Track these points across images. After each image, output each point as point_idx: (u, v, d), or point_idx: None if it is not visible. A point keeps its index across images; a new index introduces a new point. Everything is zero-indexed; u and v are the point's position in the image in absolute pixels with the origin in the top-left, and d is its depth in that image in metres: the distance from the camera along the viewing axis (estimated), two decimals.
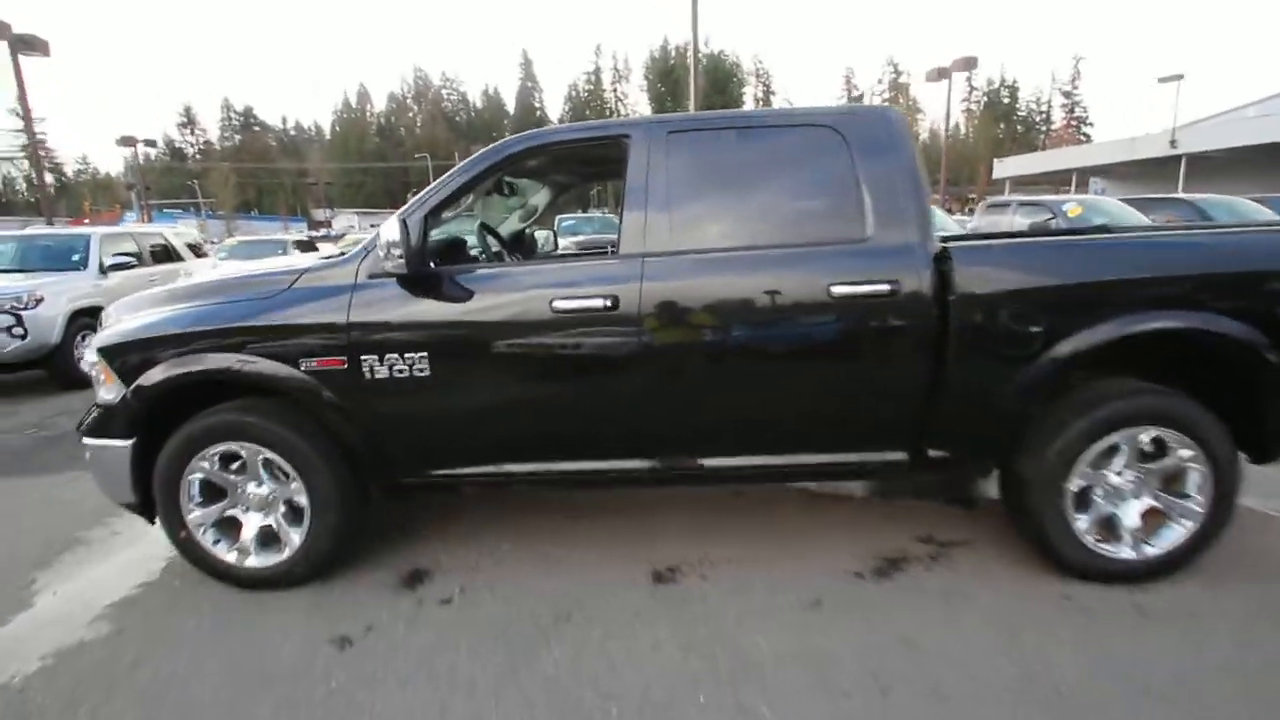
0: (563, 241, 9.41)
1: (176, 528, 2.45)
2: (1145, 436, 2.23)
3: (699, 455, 2.36)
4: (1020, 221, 9.84)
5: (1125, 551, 2.31)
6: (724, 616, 2.22)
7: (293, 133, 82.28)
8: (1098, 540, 2.33)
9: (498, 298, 2.25)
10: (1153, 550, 2.31)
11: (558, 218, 15.92)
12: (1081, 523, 2.31)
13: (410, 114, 77.24)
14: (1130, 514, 2.32)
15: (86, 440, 2.47)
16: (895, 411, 2.28)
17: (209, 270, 6.69)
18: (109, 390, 2.42)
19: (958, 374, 2.20)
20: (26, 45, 13.20)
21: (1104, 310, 2.12)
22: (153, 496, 2.42)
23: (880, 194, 2.19)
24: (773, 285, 2.18)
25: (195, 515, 2.44)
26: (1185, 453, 2.24)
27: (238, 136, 75.48)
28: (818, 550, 2.64)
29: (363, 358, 2.24)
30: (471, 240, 2.94)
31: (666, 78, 66.53)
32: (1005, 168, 36.32)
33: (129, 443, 2.39)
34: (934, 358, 2.19)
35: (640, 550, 2.68)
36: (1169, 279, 2.14)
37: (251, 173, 65.53)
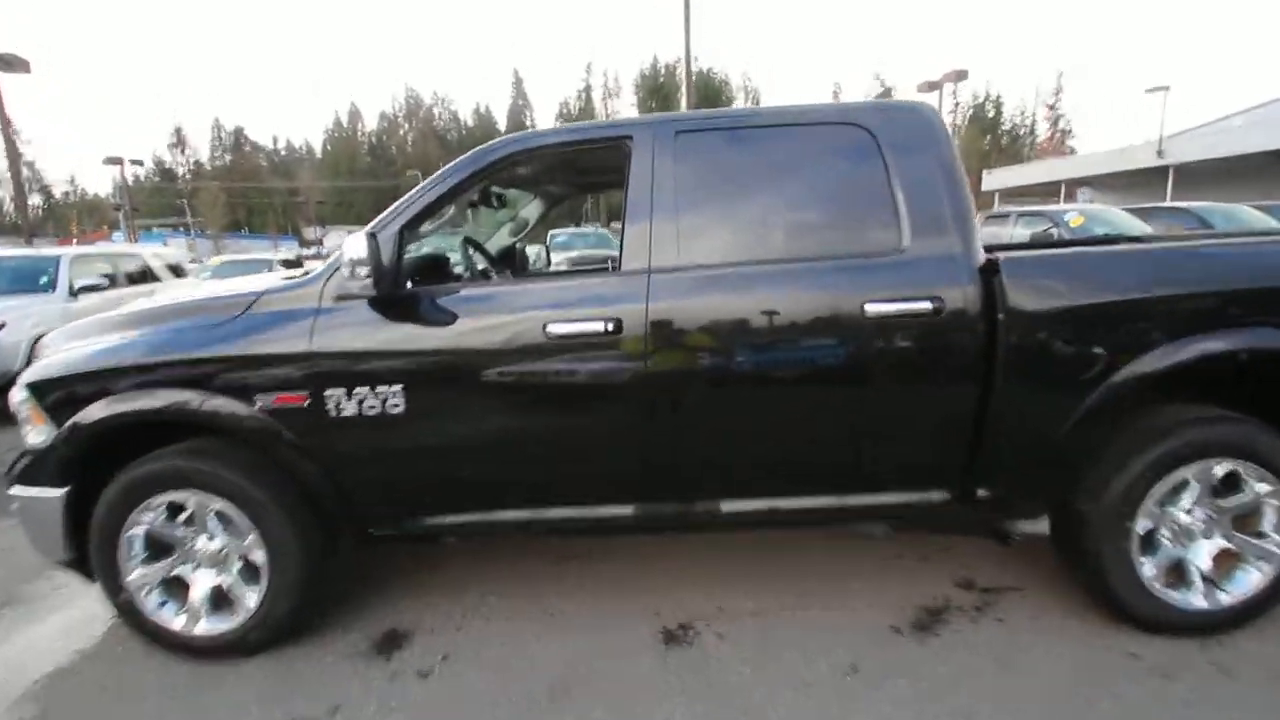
0: (555, 257, 9.14)
1: (115, 588, 2.13)
2: (1219, 470, 1.97)
3: (717, 499, 2.07)
4: (1021, 233, 9.70)
5: (1197, 599, 2.04)
6: (749, 689, 1.91)
7: (283, 152, 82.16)
8: (1166, 587, 2.06)
9: (484, 321, 1.96)
10: (1227, 598, 2.04)
11: (550, 233, 15.67)
12: (1147, 568, 2.04)
13: (401, 132, 77.32)
14: (1201, 557, 2.05)
15: (14, 490, 2.15)
16: (938, 445, 2.01)
17: (182, 292, 6.37)
18: (39, 432, 2.11)
19: (1008, 401, 1.93)
20: (5, 64, 12.93)
21: (1176, 327, 1.86)
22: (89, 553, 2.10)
23: (917, 199, 1.94)
24: (797, 304, 1.92)
25: (137, 574, 2.12)
26: (1262, 487, 1.98)
27: (228, 156, 75.23)
28: (848, 598, 2.35)
29: (327, 392, 1.95)
30: (455, 257, 2.66)
31: (656, 94, 67.06)
32: (994, 179, 36.53)
33: (61, 492, 2.08)
34: (981, 384, 1.92)
35: (647, 601, 2.38)
36: (1255, 291, 1.89)
37: (242, 192, 65.25)
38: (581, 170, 3.00)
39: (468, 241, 2.71)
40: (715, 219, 2.00)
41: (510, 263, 3.51)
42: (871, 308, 1.88)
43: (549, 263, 4.21)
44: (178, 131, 74.15)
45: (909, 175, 1.95)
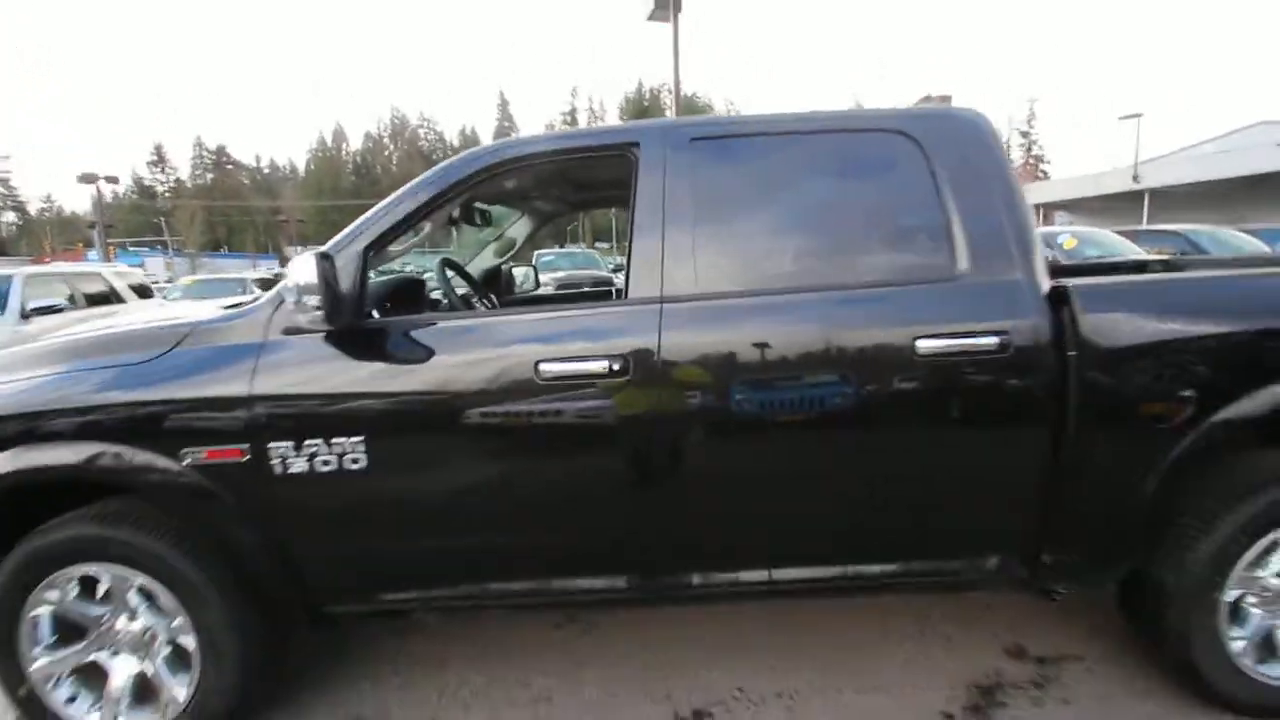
0: (543, 278, 8.83)
1: (15, 681, 1.76)
2: None
3: (740, 568, 1.76)
4: None
5: None
6: None
7: (266, 170, 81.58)
8: (1257, 663, 1.78)
9: (463, 358, 1.65)
10: None
11: (536, 253, 15.38)
12: (1237, 642, 1.76)
13: (386, 152, 77.14)
14: None
15: None
16: (998, 503, 1.72)
17: (143, 314, 5.96)
18: None
19: (1080, 452, 1.64)
20: None
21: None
22: None
23: (973, 217, 1.67)
24: (836, 340, 1.62)
25: (43, 663, 1.75)
26: None
27: (209, 175, 74.49)
28: (885, 675, 2.03)
29: (272, 445, 1.61)
30: (432, 280, 2.35)
31: (642, 118, 67.74)
32: None
33: None
34: (1050, 431, 1.64)
35: (658, 680, 2.04)
36: None
37: (222, 210, 64.41)
38: (577, 184, 2.71)
39: (446, 264, 2.39)
40: (738, 240, 1.71)
41: (495, 286, 3.20)
42: (924, 344, 1.59)
43: (537, 284, 3.87)
44: (158, 149, 73.52)
45: (962, 190, 1.68)
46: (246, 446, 1.61)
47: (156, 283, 17.66)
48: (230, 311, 1.76)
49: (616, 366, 1.59)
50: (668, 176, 1.70)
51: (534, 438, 1.65)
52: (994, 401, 1.64)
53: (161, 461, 1.62)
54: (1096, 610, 2.24)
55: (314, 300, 1.50)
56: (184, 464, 1.62)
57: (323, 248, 1.68)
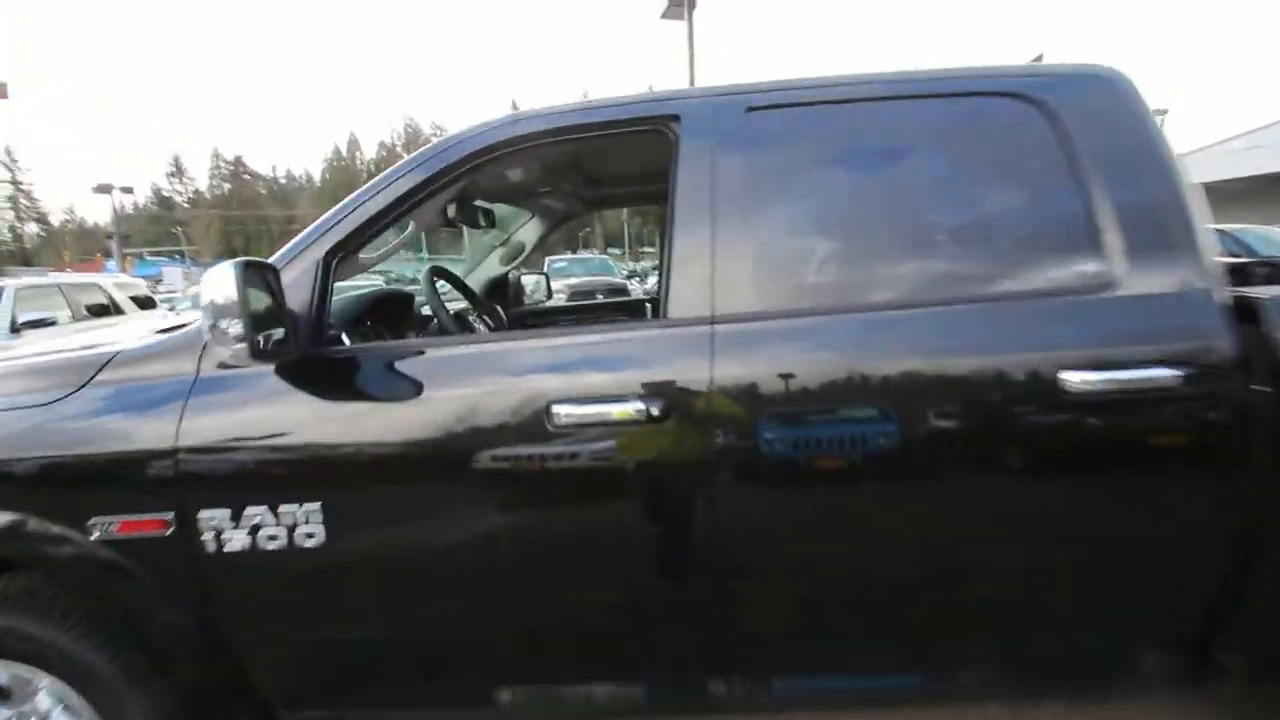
0: (556, 285, 8.43)
1: None
2: None
3: (811, 671, 1.34)
4: None
5: None
6: None
7: (282, 180, 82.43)
8: None
9: (451, 399, 1.25)
10: None
11: (547, 259, 14.96)
12: None
13: (400, 161, 77.42)
14: None
15: None
16: (1159, 584, 1.29)
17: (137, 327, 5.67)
18: None
19: (1274, 517, 1.21)
20: None
21: None
22: None
23: (1126, 207, 1.25)
24: (950, 371, 1.21)
25: None
26: None
27: (226, 185, 75.40)
28: None
29: (204, 514, 1.23)
30: (421, 294, 1.95)
31: None
32: None
33: None
34: (1232, 488, 1.22)
35: None
36: None
37: (239, 220, 65.07)
38: (595, 175, 2.30)
39: (437, 274, 1.99)
40: (813, 241, 1.31)
41: (502, 297, 2.82)
42: (1072, 378, 1.17)
43: (550, 294, 3.49)
44: (176, 161, 74.64)
45: (1110, 172, 1.26)
46: (170, 516, 1.23)
47: (173, 292, 17.54)
48: (160, 336, 1.38)
49: (655, 410, 1.19)
50: (718, 158, 1.30)
51: (544, 504, 1.25)
52: (1159, 452, 1.22)
53: (65, 533, 1.25)
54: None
55: (236, 330, 1.12)
56: (93, 537, 1.24)
57: (278, 255, 1.30)
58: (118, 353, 1.34)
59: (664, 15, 11.55)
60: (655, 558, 1.27)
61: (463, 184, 1.39)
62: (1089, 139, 1.27)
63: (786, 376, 1.21)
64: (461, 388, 1.26)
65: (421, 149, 1.39)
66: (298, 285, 1.26)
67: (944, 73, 1.38)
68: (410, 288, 2.28)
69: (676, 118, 1.34)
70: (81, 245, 55.89)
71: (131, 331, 1.53)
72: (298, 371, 1.27)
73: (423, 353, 1.32)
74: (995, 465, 1.23)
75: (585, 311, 3.09)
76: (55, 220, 70.39)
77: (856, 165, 1.35)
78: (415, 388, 1.27)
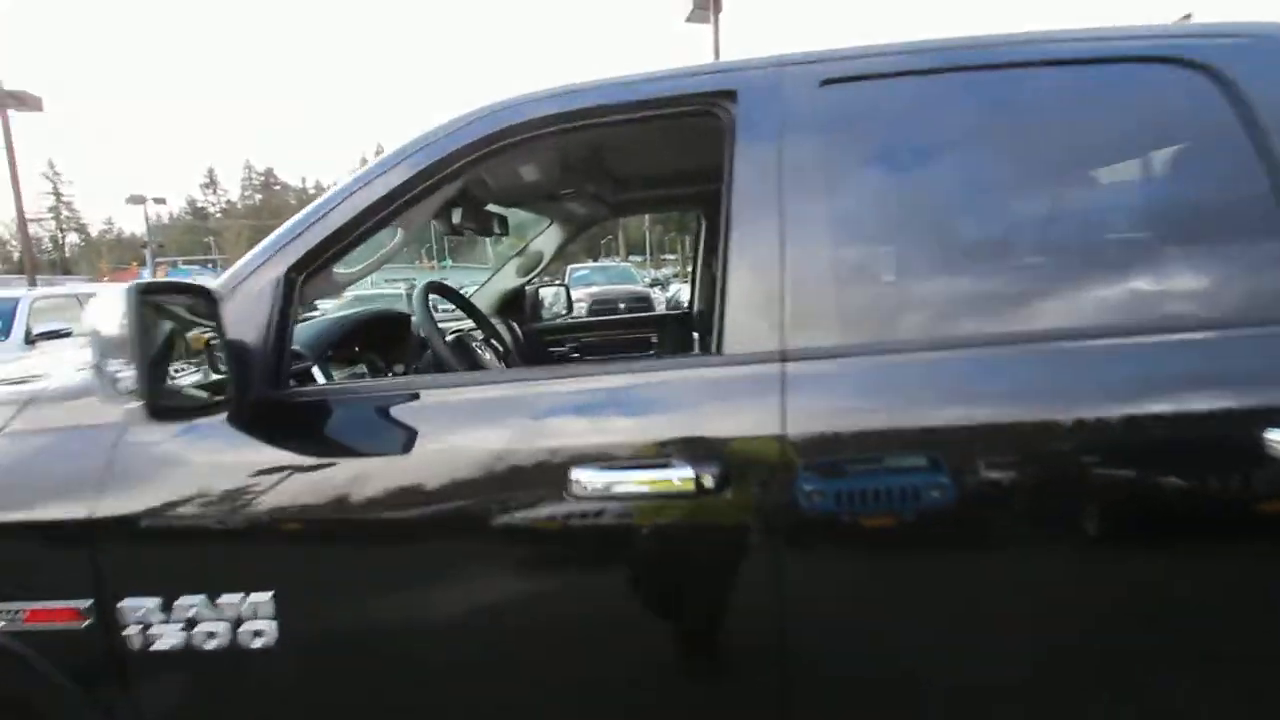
0: (577, 295, 8.15)
1: None
2: None
3: None
4: None
5: None
6: None
7: (311, 191, 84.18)
8: None
9: (441, 453, 0.97)
10: None
11: (569, 268, 14.68)
12: None
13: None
14: None
15: None
16: None
17: None
18: None
19: None
20: (17, 101, 12.67)
21: None
22: None
23: None
24: (1107, 426, 0.90)
25: None
26: None
27: (258, 195, 77.25)
28: None
29: (127, 604, 0.96)
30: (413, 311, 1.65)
31: None
32: None
33: None
34: None
35: None
36: None
37: (269, 229, 66.44)
38: (627, 169, 1.99)
39: (434, 290, 1.69)
40: (915, 252, 1.01)
41: (518, 312, 2.55)
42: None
43: (570, 307, 3.19)
44: (210, 173, 76.81)
45: None
46: (87, 604, 0.97)
47: None
48: (76, 379, 1.12)
49: (708, 479, 0.89)
50: (788, 146, 1.00)
51: (560, 600, 0.96)
52: None
53: None
54: None
55: (122, 379, 0.84)
56: None
57: (223, 276, 1.04)
58: (38, 391, 1.09)
59: (689, 19, 11.29)
60: (707, 675, 0.97)
61: (461, 182, 1.11)
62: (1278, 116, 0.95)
63: (892, 436, 0.90)
64: (452, 442, 0.98)
65: (413, 140, 1.11)
66: (249, 312, 1.00)
67: (1082, 34, 1.06)
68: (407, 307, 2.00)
69: (732, 95, 1.05)
70: (118, 255, 57.63)
71: (70, 361, 1.27)
72: (249, 422, 1.00)
73: (410, 396, 1.04)
74: (1167, 547, 0.91)
75: (611, 328, 2.80)
76: (94, 230, 72.98)
77: (967, 154, 1.03)
78: (392, 442, 0.99)
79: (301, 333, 1.34)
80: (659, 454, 0.92)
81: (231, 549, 0.97)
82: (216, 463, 0.98)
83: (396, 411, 1.01)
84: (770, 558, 0.92)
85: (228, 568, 0.97)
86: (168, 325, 0.95)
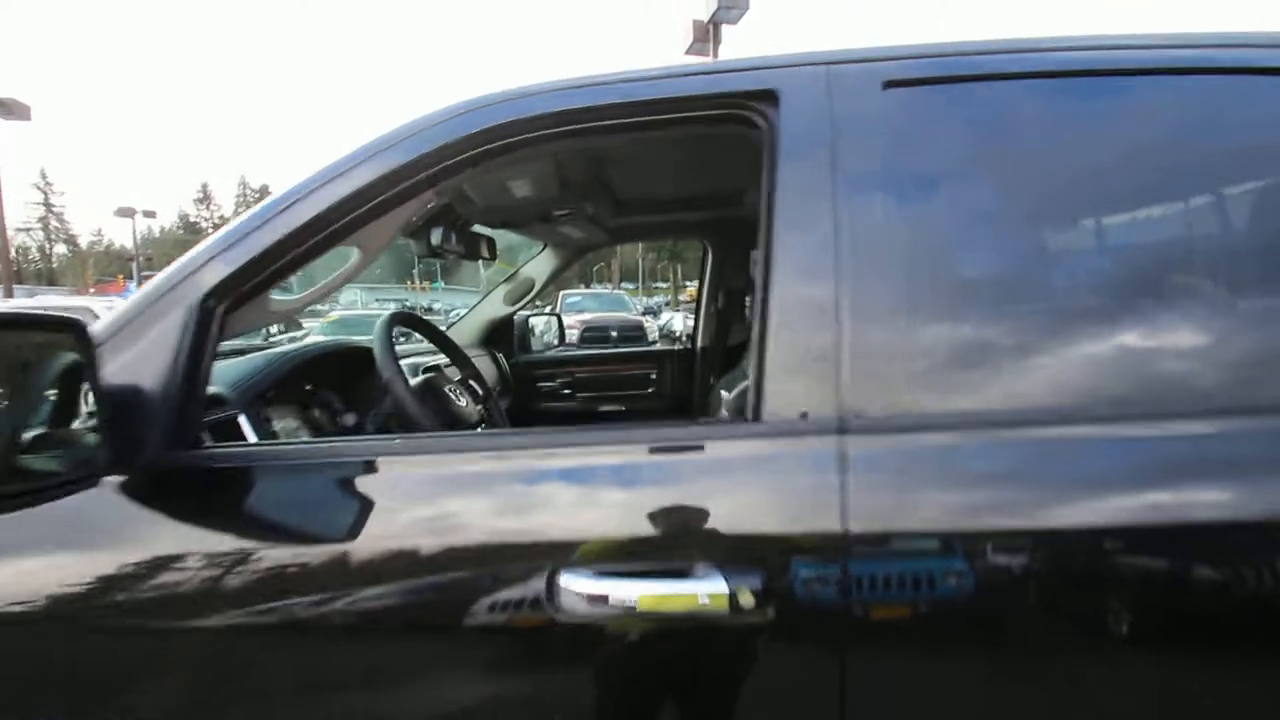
0: (568, 322, 7.92)
1: None
2: None
3: None
4: None
5: None
6: None
7: None
8: None
9: (386, 542, 0.73)
10: None
11: (560, 294, 14.50)
12: None
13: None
14: None
15: None
16: None
17: None
18: None
19: None
20: (5, 110, 12.45)
21: None
22: None
23: None
24: (1252, 537, 0.68)
25: None
26: None
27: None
28: None
29: None
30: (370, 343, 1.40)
31: None
32: None
33: None
34: None
35: None
36: None
37: None
38: (625, 194, 1.80)
39: (401, 322, 1.41)
40: (1013, 295, 0.79)
41: (504, 343, 2.33)
42: None
43: (562, 337, 2.98)
44: (204, 188, 76.84)
45: None
46: None
47: None
48: None
49: (744, 594, 0.66)
50: (842, 159, 0.80)
51: None
52: None
53: None
54: None
55: None
56: None
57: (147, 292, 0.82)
58: None
59: (688, 51, 11.38)
60: None
61: (432, 192, 0.90)
62: None
63: (992, 540, 0.68)
64: (400, 527, 0.74)
65: (380, 137, 0.89)
66: (146, 352, 0.77)
67: (1197, 39, 0.87)
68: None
69: (772, 96, 0.85)
70: (108, 267, 57.07)
71: None
72: (149, 490, 0.76)
73: (356, 462, 0.80)
74: None
75: (606, 362, 2.57)
76: (83, 242, 72.48)
77: (1086, 174, 0.83)
78: (320, 527, 0.75)
79: (230, 370, 1.11)
80: (674, 558, 0.69)
81: (101, 667, 0.72)
82: (86, 545, 0.74)
83: (320, 482, 0.78)
84: (820, 688, 0.68)
85: (95, 689, 0.72)
86: (39, 373, 0.73)
